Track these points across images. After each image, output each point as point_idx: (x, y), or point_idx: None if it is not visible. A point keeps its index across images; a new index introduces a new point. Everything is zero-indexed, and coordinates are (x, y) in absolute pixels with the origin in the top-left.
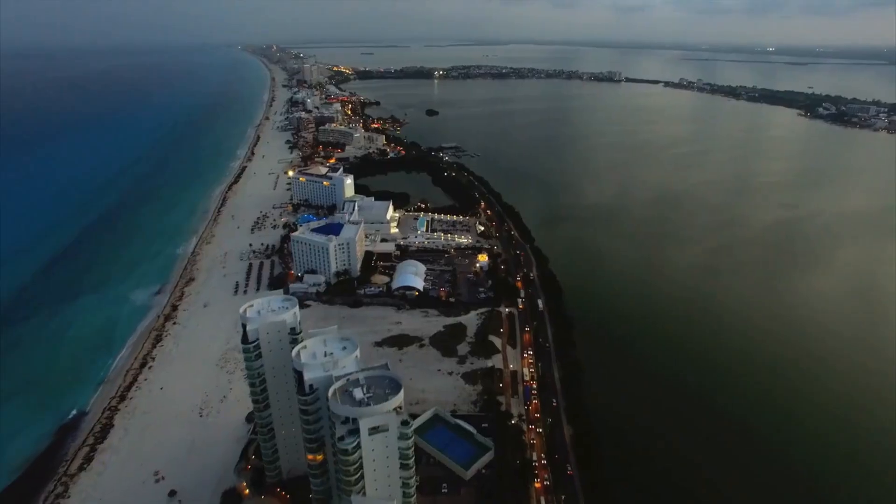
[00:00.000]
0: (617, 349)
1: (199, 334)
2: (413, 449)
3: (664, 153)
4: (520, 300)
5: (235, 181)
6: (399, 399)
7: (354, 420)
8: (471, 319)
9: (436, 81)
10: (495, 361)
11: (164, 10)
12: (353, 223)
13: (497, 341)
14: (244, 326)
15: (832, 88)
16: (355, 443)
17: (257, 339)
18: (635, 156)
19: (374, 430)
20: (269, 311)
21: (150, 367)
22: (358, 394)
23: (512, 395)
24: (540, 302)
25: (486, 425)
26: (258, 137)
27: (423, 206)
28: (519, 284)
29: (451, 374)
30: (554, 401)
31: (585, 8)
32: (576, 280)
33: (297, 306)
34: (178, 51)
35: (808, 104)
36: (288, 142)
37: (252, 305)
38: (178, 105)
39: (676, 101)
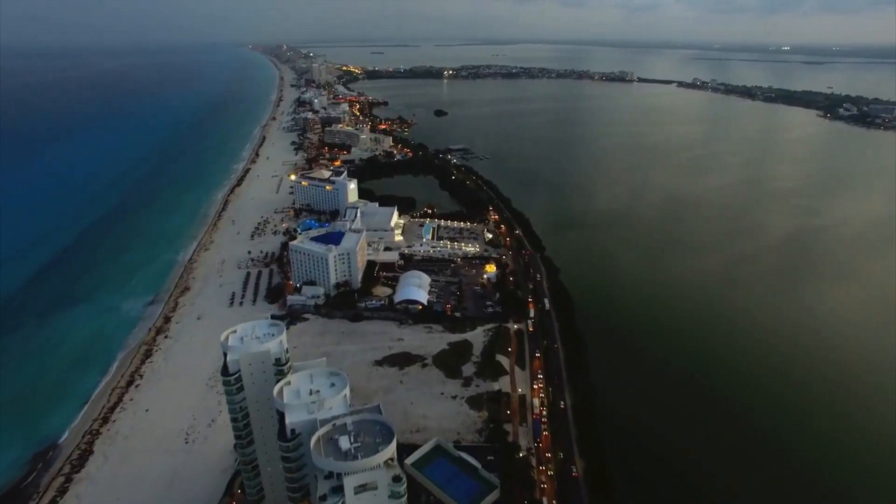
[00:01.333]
0: (632, 369)
1: (191, 350)
2: None
3: (679, 155)
4: (530, 320)
5: (238, 184)
6: (391, 450)
7: (339, 476)
8: (477, 336)
9: (445, 81)
10: (502, 384)
11: (176, 10)
12: (354, 231)
13: (505, 361)
14: (224, 355)
15: (852, 88)
16: (339, 503)
17: (238, 371)
18: (649, 158)
19: (360, 489)
20: (253, 338)
21: (136, 386)
22: (344, 443)
23: (520, 424)
24: (550, 316)
25: (492, 458)
26: (264, 138)
27: (429, 211)
28: (530, 305)
29: (454, 398)
30: (566, 432)
31: (595, 7)
32: (588, 292)
33: (285, 332)
34: (188, 50)
35: (828, 105)
36: (293, 143)
37: (235, 331)
38: (184, 105)
39: (690, 102)
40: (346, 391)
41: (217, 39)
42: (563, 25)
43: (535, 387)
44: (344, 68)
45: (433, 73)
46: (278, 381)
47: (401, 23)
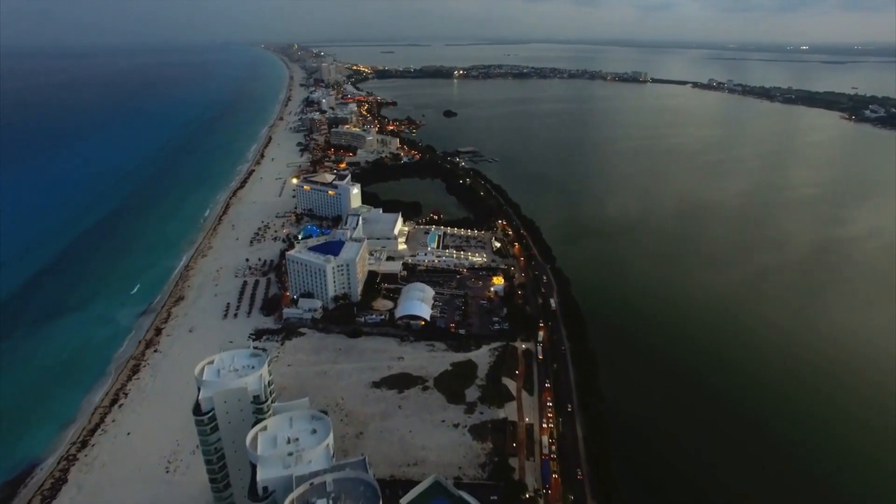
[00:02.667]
0: (649, 394)
1: (180, 365)
2: None
3: (696, 160)
4: (539, 343)
5: (241, 186)
6: None
7: None
8: (482, 356)
9: (455, 81)
10: (508, 412)
11: (191, 9)
12: (355, 240)
13: (511, 385)
14: (198, 390)
15: (878, 88)
16: None
17: (212, 410)
18: (665, 162)
19: None
20: (231, 370)
21: (120, 406)
22: None
23: (527, 458)
24: (561, 333)
25: (496, 498)
26: (270, 139)
27: (435, 217)
28: (541, 329)
29: (457, 426)
30: (578, 472)
31: (608, 6)
32: (600, 308)
33: (266, 364)
34: (202, 49)
35: (852, 106)
36: (300, 144)
37: (212, 362)
38: (193, 105)
39: (706, 103)
40: (329, 439)
41: (230, 39)
42: (575, 25)
43: (544, 420)
44: (354, 67)
45: (443, 73)
46: (257, 420)
47: (412, 22)
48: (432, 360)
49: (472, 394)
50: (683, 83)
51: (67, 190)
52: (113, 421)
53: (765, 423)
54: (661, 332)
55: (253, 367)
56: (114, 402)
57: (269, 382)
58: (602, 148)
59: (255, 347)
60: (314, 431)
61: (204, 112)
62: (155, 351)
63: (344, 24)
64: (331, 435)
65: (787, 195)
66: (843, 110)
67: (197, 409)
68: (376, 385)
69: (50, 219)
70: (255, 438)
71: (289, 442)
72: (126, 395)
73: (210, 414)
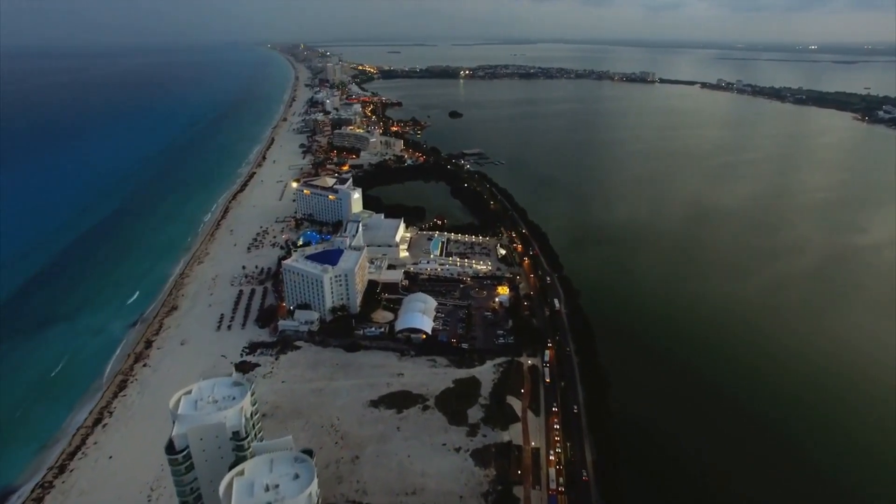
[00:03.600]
0: (662, 414)
1: (169, 381)
2: None
3: (706, 162)
4: (546, 363)
5: (241, 189)
6: None
7: None
8: (486, 373)
9: (461, 81)
10: (513, 434)
11: (199, 9)
12: (354, 249)
13: (516, 405)
14: (173, 424)
15: (891, 89)
16: None
17: (187, 448)
18: (674, 165)
19: None
20: (210, 402)
21: (104, 426)
22: None
23: (532, 486)
24: (569, 348)
25: None
26: (272, 140)
27: (439, 222)
28: (549, 349)
29: (458, 450)
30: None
31: (616, 6)
32: (610, 318)
33: (250, 392)
34: (210, 49)
35: (865, 106)
36: (302, 145)
37: (189, 392)
38: (198, 105)
39: (715, 104)
40: (313, 486)
41: (238, 39)
42: (582, 25)
43: (552, 446)
44: (359, 68)
45: (450, 73)
46: (237, 459)
47: (419, 22)
48: (433, 376)
49: (474, 414)
50: (692, 83)
51: (65, 193)
52: (95, 443)
53: (793, 436)
54: (673, 343)
55: (234, 399)
56: (97, 421)
57: (251, 414)
58: (610, 150)
59: (244, 360)
60: (296, 476)
61: (207, 113)
62: (144, 365)
63: (351, 23)
64: (315, 481)
65: (801, 200)
66: (856, 111)
67: (170, 447)
68: (374, 404)
69: (46, 222)
70: (230, 485)
71: (267, 489)
72: (111, 413)
73: (185, 452)
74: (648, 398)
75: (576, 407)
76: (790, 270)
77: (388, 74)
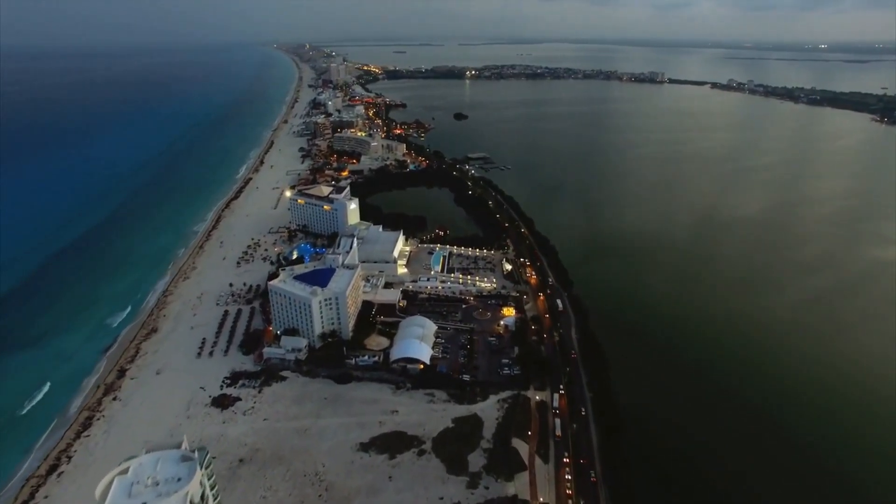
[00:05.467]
0: (681, 461)
1: (140, 417)
2: None
3: (722, 167)
4: (556, 407)
5: (236, 196)
6: None
7: None
8: (489, 410)
9: (467, 82)
10: (519, 486)
11: (206, 9)
12: (347, 268)
13: (523, 449)
14: None
15: None
16: None
17: None
18: (688, 170)
19: None
20: (150, 485)
21: (59, 475)
22: None
23: None
24: (580, 378)
25: None
26: (272, 143)
27: (441, 233)
28: (562, 396)
29: None
30: None
31: (623, 5)
32: (626, 347)
33: (202, 467)
34: (216, 49)
35: (883, 107)
36: (302, 149)
37: (125, 472)
38: (196, 107)
39: (727, 105)
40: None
41: (244, 39)
42: (589, 24)
43: (562, 480)
44: (364, 68)
45: (455, 74)
46: None
47: (426, 21)
48: (431, 414)
49: (476, 460)
50: (702, 84)
51: (52, 201)
52: (45, 497)
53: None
54: (692, 369)
55: (180, 480)
56: (53, 468)
57: (203, 497)
58: (621, 153)
59: (223, 394)
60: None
61: (207, 115)
62: (114, 399)
63: (357, 23)
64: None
65: (823, 209)
66: (874, 112)
67: None
68: (364, 447)
69: (27, 233)
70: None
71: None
72: (70, 458)
73: None
74: (669, 438)
75: (588, 454)
76: (819, 285)
77: (392, 75)
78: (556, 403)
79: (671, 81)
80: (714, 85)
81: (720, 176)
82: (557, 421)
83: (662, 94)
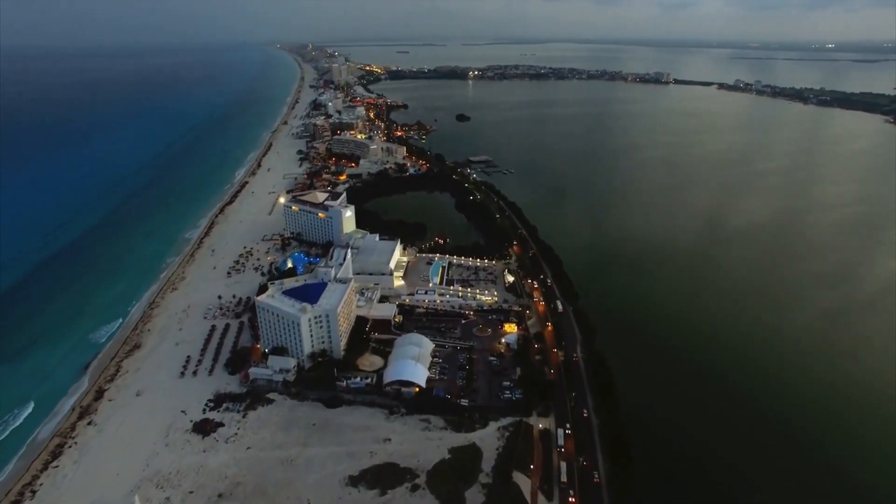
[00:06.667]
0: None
1: (115, 445)
2: None
3: (732, 171)
4: (568, 427)
5: (230, 201)
6: None
7: None
8: (488, 439)
9: (470, 82)
10: None
11: (205, 8)
12: (340, 282)
13: (525, 484)
14: None
15: None
16: None
17: None
18: (697, 174)
19: None
20: None
21: None
22: None
23: None
24: (587, 404)
25: None
26: (270, 145)
27: (441, 241)
28: (569, 439)
29: None
30: None
31: (628, 4)
32: (634, 367)
33: None
34: (218, 50)
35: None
36: (300, 151)
37: None
38: (196, 108)
39: (735, 106)
40: None
41: (246, 39)
42: (594, 24)
43: None
44: (366, 68)
45: (458, 74)
46: None
47: (429, 21)
48: (426, 443)
49: (474, 497)
50: (708, 84)
51: (42, 206)
52: None
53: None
54: (707, 390)
55: None
56: None
57: None
58: (628, 157)
59: (205, 418)
60: None
61: (207, 116)
62: (89, 423)
63: (360, 23)
64: None
65: (843, 216)
66: (886, 113)
67: None
68: (354, 481)
69: (12, 241)
70: None
71: None
72: (34, 493)
73: None
74: (687, 473)
75: (596, 495)
76: (845, 305)
77: (395, 75)
78: (561, 441)
79: (677, 82)
80: (721, 85)
81: (730, 180)
82: (563, 464)
83: (668, 94)
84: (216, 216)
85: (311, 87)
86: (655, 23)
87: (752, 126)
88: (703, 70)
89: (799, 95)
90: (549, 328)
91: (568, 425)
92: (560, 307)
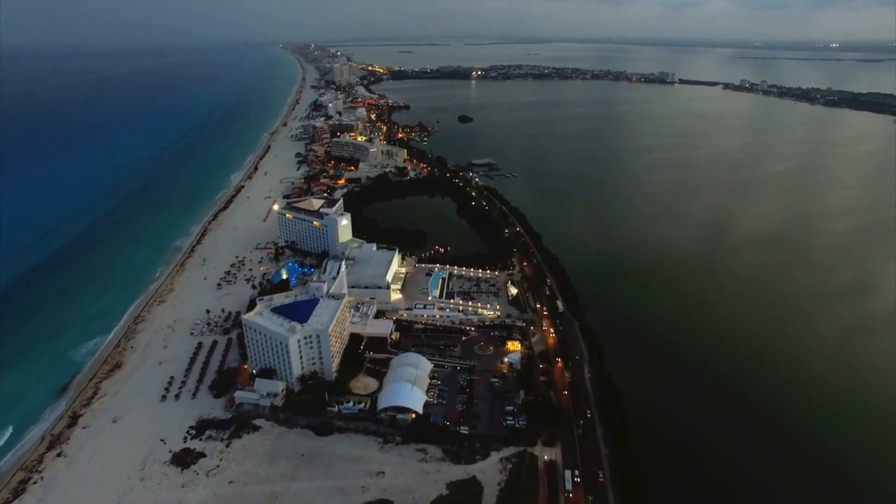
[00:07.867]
0: None
1: (84, 480)
2: None
3: (740, 174)
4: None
5: (225, 207)
6: None
7: None
8: (490, 472)
9: (473, 82)
10: None
11: (207, 8)
12: (332, 297)
13: None
14: None
15: None
16: None
17: None
18: (705, 177)
19: None
20: None
21: None
22: None
23: None
24: (594, 429)
25: None
26: (268, 147)
27: (441, 250)
28: (578, 482)
29: None
30: None
31: (633, 4)
32: (646, 385)
33: None
34: (221, 50)
35: None
36: (298, 154)
37: None
38: (195, 109)
39: (741, 107)
40: None
41: (249, 38)
42: (598, 23)
43: None
44: (369, 68)
45: (461, 74)
46: None
47: (432, 21)
48: (423, 477)
49: None
50: (713, 84)
51: (30, 210)
52: None
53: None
54: (722, 413)
55: None
56: None
57: None
58: (634, 159)
59: (186, 448)
60: None
61: (206, 117)
62: (58, 454)
63: (363, 23)
64: None
65: (860, 222)
66: (894, 113)
67: None
68: None
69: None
70: None
71: None
72: None
73: None
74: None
75: None
76: (867, 319)
77: (397, 75)
78: (569, 486)
79: (682, 82)
80: (726, 86)
81: (739, 183)
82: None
83: (673, 95)
84: (209, 223)
85: (313, 87)
86: (659, 22)
87: (760, 127)
88: (708, 70)
89: (806, 96)
90: (555, 344)
91: (577, 471)
92: (566, 320)
